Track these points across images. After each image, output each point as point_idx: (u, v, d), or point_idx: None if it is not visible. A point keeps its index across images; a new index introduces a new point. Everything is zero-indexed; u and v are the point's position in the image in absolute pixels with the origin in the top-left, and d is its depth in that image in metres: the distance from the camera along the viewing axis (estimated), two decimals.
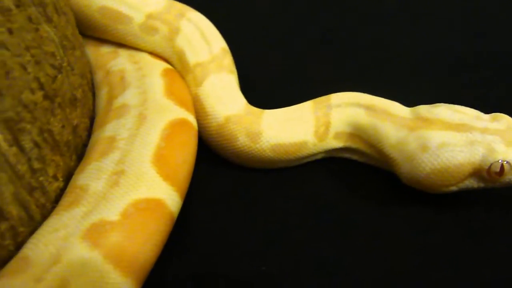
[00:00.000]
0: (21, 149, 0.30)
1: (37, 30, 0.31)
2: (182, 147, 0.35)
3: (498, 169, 0.33)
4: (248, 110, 0.39)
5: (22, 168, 0.30)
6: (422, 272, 0.34)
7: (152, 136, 0.33)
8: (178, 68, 0.43)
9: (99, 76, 0.42)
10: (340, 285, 0.34)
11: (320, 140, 0.38)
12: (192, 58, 0.42)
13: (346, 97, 0.39)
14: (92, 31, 0.44)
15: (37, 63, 0.31)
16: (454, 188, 0.35)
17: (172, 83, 0.39)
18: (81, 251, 0.27)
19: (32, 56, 0.30)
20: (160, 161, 0.32)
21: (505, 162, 0.33)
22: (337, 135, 0.39)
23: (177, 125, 0.35)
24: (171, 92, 0.38)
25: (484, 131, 0.34)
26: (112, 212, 0.29)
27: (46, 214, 0.33)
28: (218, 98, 0.39)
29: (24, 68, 0.30)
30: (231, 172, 0.40)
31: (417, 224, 0.36)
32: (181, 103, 0.38)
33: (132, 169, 0.31)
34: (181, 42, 0.42)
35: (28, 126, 0.30)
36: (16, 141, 0.29)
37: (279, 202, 0.38)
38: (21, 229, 0.31)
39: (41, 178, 0.32)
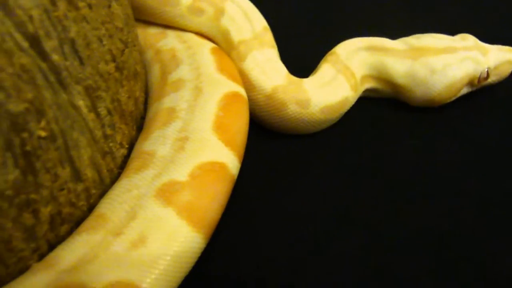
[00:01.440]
0: (97, 115, 0.32)
1: (109, 6, 0.34)
2: (238, 117, 0.37)
3: (485, 75, 0.44)
4: (290, 79, 0.43)
5: (98, 133, 0.33)
6: None
7: (210, 107, 0.36)
8: (223, 46, 0.45)
9: (149, 55, 0.44)
10: None
11: (355, 91, 0.44)
12: (236, 36, 0.44)
13: (346, 47, 0.45)
14: (141, 14, 0.46)
15: (110, 36, 0.33)
16: (454, 98, 0.44)
17: (221, 60, 0.42)
18: (155, 208, 0.30)
19: (106, 30, 0.33)
20: (220, 128, 0.35)
21: (488, 68, 0.44)
22: (361, 82, 0.45)
23: (231, 97, 0.38)
24: (222, 67, 0.41)
25: (465, 49, 0.44)
26: (181, 173, 0.31)
27: (114, 178, 0.35)
28: (263, 71, 0.42)
29: (100, 40, 0.32)
30: (277, 140, 0.43)
31: None
32: (232, 77, 0.40)
33: (195, 135, 0.34)
34: (226, 22, 0.45)
35: (103, 94, 0.32)
36: (94, 108, 0.32)
37: (330, 163, 0.42)
38: (93, 191, 0.33)
39: (111, 144, 0.34)
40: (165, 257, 0.28)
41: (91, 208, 0.33)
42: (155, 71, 0.42)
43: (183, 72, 0.40)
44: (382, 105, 0.47)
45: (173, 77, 0.40)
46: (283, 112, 0.41)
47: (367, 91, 0.46)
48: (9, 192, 0.27)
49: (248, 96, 0.42)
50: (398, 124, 0.46)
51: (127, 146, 0.36)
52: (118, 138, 0.35)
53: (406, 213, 0.38)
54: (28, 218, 0.29)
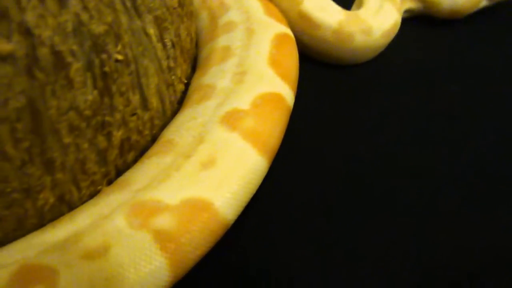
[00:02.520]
0: (164, 46, 0.33)
1: None
2: (290, 54, 0.38)
3: None
4: (347, 13, 0.47)
5: (164, 63, 0.34)
6: None
7: (263, 45, 0.37)
8: None
9: (196, 2, 0.46)
10: None
11: (400, 14, 0.48)
12: None
13: None
14: None
15: None
16: (476, 9, 0.50)
17: (267, 5, 0.43)
18: (221, 133, 0.31)
19: None
20: (275, 63, 0.36)
21: None
22: (401, 4, 0.49)
23: (282, 37, 0.39)
24: (269, 12, 0.42)
25: None
26: (243, 102, 0.33)
27: (174, 112, 0.36)
28: (322, 8, 0.45)
29: None
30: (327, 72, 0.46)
31: None
32: (279, 20, 0.41)
33: (252, 69, 0.35)
34: None
35: (169, 26, 0.34)
36: (161, 38, 0.33)
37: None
38: (156, 122, 0.35)
39: (173, 77, 0.36)
40: (234, 178, 0.30)
41: (153, 139, 0.34)
42: (204, 17, 0.43)
43: (232, 16, 0.41)
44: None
45: (223, 20, 0.41)
46: (350, 43, 0.45)
47: (404, 12, 0.51)
48: (87, 112, 0.29)
49: (312, 35, 0.45)
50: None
51: (185, 81, 0.37)
52: (178, 72, 0.36)
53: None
54: (102, 141, 0.30)
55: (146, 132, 0.33)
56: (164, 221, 0.28)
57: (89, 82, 0.28)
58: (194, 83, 0.36)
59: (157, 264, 0.28)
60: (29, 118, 0.27)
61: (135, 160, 0.33)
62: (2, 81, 0.25)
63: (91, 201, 0.31)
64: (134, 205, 0.29)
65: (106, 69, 0.28)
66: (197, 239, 0.28)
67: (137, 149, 0.33)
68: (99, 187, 0.31)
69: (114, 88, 0.29)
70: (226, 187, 0.29)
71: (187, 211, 0.28)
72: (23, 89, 0.26)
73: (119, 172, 0.32)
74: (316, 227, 0.35)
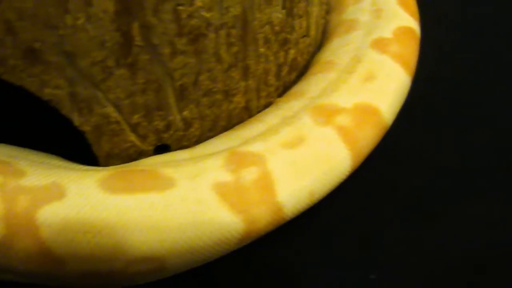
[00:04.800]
0: None
1: None
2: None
3: None
4: None
5: None
6: None
7: None
8: None
9: None
10: None
11: None
12: None
13: None
14: None
15: None
16: None
17: None
18: (374, 55, 0.37)
19: None
20: (403, 3, 0.41)
21: None
22: None
23: None
24: None
25: None
26: (386, 32, 0.38)
27: (320, 43, 0.41)
28: None
29: None
30: None
31: None
32: None
33: (386, 7, 0.40)
34: None
35: None
36: None
37: None
38: (310, 49, 0.39)
39: (323, 12, 0.40)
40: (391, 90, 0.35)
41: (306, 63, 0.39)
42: None
43: None
44: None
45: None
46: None
47: None
48: (277, 28, 0.33)
49: None
50: None
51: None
52: (324, 8, 0.41)
53: None
54: (281, 56, 0.35)
55: (305, 56, 0.38)
56: (343, 120, 0.33)
57: (281, 2, 0.33)
58: (335, 19, 0.42)
59: (343, 155, 0.32)
60: (240, 26, 0.31)
61: (296, 80, 0.38)
62: None
63: (269, 109, 0.36)
64: (315, 108, 0.34)
65: None
66: (369, 137, 0.34)
67: (298, 69, 0.38)
68: (271, 100, 0.36)
69: (295, 10, 0.34)
70: (386, 97, 0.35)
71: (360, 113, 0.34)
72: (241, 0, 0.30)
73: (285, 88, 0.37)
74: None
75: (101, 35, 0.28)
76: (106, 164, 0.32)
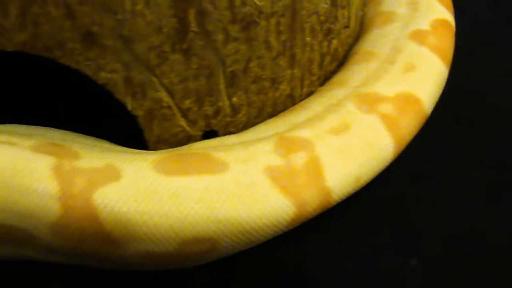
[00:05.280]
0: None
1: None
2: None
3: None
4: None
5: None
6: None
7: None
8: None
9: None
10: None
11: None
12: None
13: None
14: None
15: None
16: None
17: None
18: (413, 46, 0.37)
19: None
20: None
21: None
22: None
23: None
24: None
25: None
26: (423, 24, 0.39)
27: (358, 35, 0.41)
28: None
29: None
30: None
31: None
32: None
33: (422, 0, 0.41)
34: None
35: None
36: None
37: None
38: (349, 40, 0.39)
39: (362, 4, 0.41)
40: (430, 80, 0.36)
41: (345, 54, 0.40)
42: None
43: None
44: None
45: None
46: None
47: None
48: (322, 18, 0.34)
49: None
50: None
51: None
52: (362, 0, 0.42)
53: None
54: (325, 46, 0.35)
55: (345, 47, 0.39)
56: (386, 108, 0.34)
57: None
58: (372, 10, 0.42)
59: (386, 142, 0.33)
60: (289, 15, 0.32)
61: (334, 70, 0.38)
62: None
63: (312, 97, 0.36)
64: (358, 96, 0.34)
65: None
66: (410, 125, 0.34)
67: (338, 59, 0.38)
68: (313, 88, 0.36)
69: (339, 1, 0.35)
70: (426, 87, 0.36)
71: (402, 102, 0.34)
72: None
73: (326, 78, 0.37)
74: None
75: (159, 20, 0.29)
76: (154, 149, 0.33)
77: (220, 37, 0.30)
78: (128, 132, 0.32)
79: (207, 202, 0.29)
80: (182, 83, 0.31)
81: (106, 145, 0.33)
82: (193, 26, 0.29)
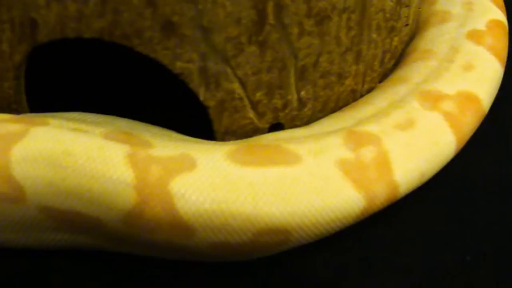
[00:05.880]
0: None
1: None
2: None
3: None
4: None
5: None
6: None
7: None
8: None
9: None
10: None
11: None
12: None
13: None
14: None
15: None
16: None
17: None
18: (470, 46, 0.38)
19: None
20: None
21: None
22: None
23: None
24: None
25: None
26: (479, 25, 0.40)
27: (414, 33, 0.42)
28: None
29: None
30: None
31: None
32: None
33: (476, 1, 0.42)
34: None
35: None
36: None
37: None
38: (405, 38, 0.40)
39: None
40: (488, 79, 0.36)
41: (401, 52, 0.40)
42: None
43: None
44: None
45: None
46: None
47: None
48: (387, 16, 0.34)
49: None
50: None
51: None
52: None
53: None
54: (387, 43, 0.36)
55: (402, 45, 0.39)
56: (448, 106, 0.34)
57: None
58: (426, 9, 0.43)
59: (449, 139, 0.33)
60: (359, 11, 0.32)
61: (392, 68, 0.38)
62: None
63: (374, 93, 0.37)
64: (421, 93, 0.35)
65: None
66: (471, 123, 0.35)
67: (395, 57, 0.38)
68: (373, 85, 0.37)
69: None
70: (485, 86, 0.36)
71: (463, 100, 0.35)
72: None
73: (384, 75, 0.38)
74: None
75: (238, 11, 0.29)
76: (221, 140, 0.33)
77: (295, 30, 0.30)
78: (195, 123, 0.32)
79: (282, 193, 0.29)
80: (256, 75, 0.31)
81: (174, 135, 0.33)
82: (271, 19, 0.29)
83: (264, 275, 0.33)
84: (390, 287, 0.33)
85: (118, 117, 0.33)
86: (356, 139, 0.32)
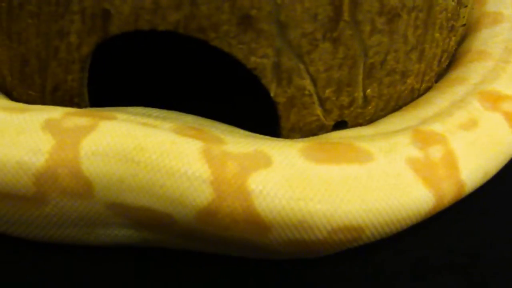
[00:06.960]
0: None
1: None
2: None
3: None
4: None
5: None
6: None
7: None
8: None
9: None
10: None
11: None
12: None
13: None
14: None
15: None
16: None
17: None
18: None
19: None
20: None
21: None
22: None
23: None
24: None
25: None
26: None
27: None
28: None
29: None
30: None
31: None
32: None
33: None
34: None
35: None
36: None
37: None
38: (459, 38, 0.40)
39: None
40: None
41: (454, 52, 0.40)
42: None
43: None
44: None
45: None
46: None
47: None
48: (449, 15, 0.34)
49: None
50: None
51: None
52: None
53: None
54: (446, 43, 0.36)
55: (456, 46, 0.39)
56: (508, 106, 0.35)
57: None
58: (477, 10, 0.43)
59: (510, 139, 0.34)
60: (426, 10, 0.32)
61: (446, 68, 0.39)
62: None
63: (433, 93, 0.37)
64: (481, 93, 0.35)
65: None
66: None
67: (450, 57, 0.39)
68: (430, 84, 0.37)
69: (464, 0, 0.36)
70: None
71: None
72: None
73: (439, 75, 0.38)
74: None
75: (315, 7, 0.29)
76: (287, 137, 0.32)
77: (367, 28, 0.30)
78: (261, 120, 0.32)
79: (358, 191, 0.29)
80: (327, 71, 0.31)
81: (242, 131, 0.32)
82: (345, 16, 0.29)
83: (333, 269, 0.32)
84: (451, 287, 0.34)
85: (183, 113, 0.33)
86: (423, 138, 0.32)
